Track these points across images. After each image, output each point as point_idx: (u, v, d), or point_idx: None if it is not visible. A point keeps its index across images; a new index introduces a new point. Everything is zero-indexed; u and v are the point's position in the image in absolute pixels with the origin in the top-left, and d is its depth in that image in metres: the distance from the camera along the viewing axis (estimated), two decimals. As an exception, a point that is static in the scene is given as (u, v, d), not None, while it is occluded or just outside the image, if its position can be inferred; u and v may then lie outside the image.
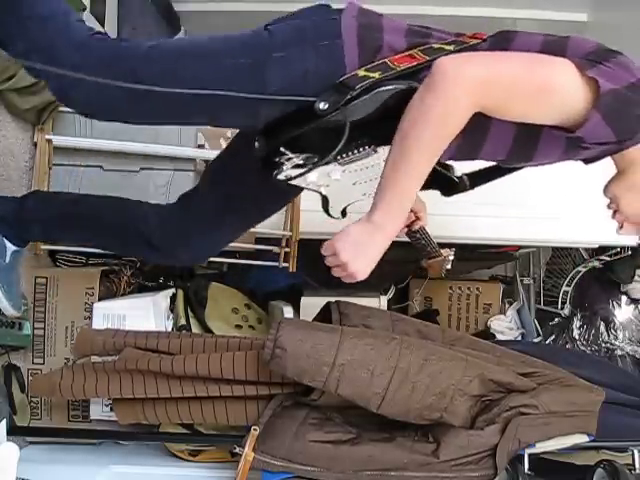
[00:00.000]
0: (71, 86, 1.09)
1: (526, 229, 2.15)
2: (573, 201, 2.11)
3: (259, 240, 2.11)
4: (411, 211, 1.36)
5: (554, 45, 1.04)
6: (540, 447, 1.50)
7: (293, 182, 1.13)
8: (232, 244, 2.02)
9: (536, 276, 2.92)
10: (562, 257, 2.82)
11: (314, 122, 1.06)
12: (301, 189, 1.20)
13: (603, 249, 2.55)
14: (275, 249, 2.11)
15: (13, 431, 1.52)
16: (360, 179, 1.17)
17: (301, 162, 1.10)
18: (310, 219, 2.04)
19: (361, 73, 1.04)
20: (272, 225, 2.08)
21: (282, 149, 1.10)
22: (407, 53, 1.07)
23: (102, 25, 2.25)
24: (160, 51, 1.12)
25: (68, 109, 1.91)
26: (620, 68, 0.98)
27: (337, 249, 1.04)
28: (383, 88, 1.03)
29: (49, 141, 1.92)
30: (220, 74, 1.08)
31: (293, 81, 1.07)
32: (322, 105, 1.04)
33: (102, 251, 1.99)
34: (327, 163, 1.10)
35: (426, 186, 1.06)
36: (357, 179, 1.17)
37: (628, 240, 2.30)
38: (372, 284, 2.33)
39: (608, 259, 2.59)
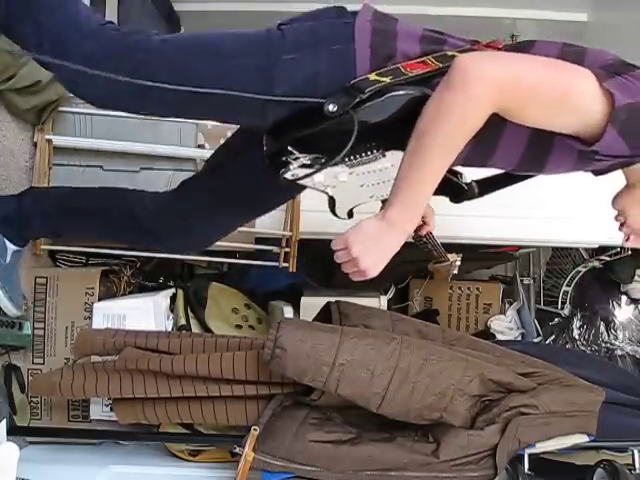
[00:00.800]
0: (80, 77, 1.08)
1: (526, 229, 2.15)
2: (573, 201, 2.10)
3: (259, 240, 2.11)
4: None
5: (572, 54, 1.01)
6: (540, 447, 1.50)
7: (300, 182, 1.12)
8: (232, 244, 2.04)
9: (536, 276, 2.93)
10: (562, 257, 2.82)
11: (323, 123, 1.05)
12: (303, 187, 1.20)
13: (603, 249, 2.55)
14: (275, 249, 2.11)
15: (13, 431, 1.52)
16: (367, 182, 1.16)
17: (308, 162, 1.10)
18: (310, 219, 2.04)
19: (372, 77, 1.04)
20: (272, 225, 2.08)
21: (290, 148, 1.10)
22: (420, 59, 1.06)
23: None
24: (171, 47, 1.11)
25: (68, 109, 1.93)
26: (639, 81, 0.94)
27: (349, 243, 1.01)
28: (394, 93, 1.03)
29: (49, 141, 1.92)
30: (229, 74, 1.08)
31: (302, 83, 1.07)
32: (331, 107, 1.04)
33: (102, 249, 1.99)
34: (335, 164, 1.09)
35: (435, 192, 1.05)
36: (364, 182, 1.16)
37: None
38: (372, 284, 2.35)
39: (608, 259, 2.59)
